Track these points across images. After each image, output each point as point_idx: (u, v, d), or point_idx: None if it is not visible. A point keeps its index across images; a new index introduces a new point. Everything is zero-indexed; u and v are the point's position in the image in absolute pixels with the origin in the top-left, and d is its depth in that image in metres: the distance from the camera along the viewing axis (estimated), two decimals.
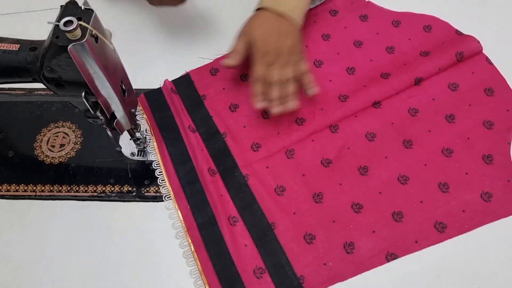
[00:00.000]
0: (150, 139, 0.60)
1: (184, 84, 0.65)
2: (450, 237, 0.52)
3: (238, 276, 0.50)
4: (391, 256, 0.51)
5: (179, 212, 0.55)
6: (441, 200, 0.54)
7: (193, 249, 0.52)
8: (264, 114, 0.61)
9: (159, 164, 0.58)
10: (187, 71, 0.66)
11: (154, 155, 0.59)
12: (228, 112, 0.62)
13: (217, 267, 0.51)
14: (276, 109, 0.56)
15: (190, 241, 0.53)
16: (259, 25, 0.58)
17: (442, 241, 0.51)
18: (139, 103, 0.62)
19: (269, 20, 0.58)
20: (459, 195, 0.54)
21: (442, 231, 0.52)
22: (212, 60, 0.67)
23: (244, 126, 0.61)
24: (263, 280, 0.50)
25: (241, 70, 0.65)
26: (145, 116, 0.62)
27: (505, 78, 0.62)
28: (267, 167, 0.57)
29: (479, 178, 0.55)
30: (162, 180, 0.57)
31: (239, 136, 0.59)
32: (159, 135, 0.60)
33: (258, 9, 0.60)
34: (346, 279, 0.50)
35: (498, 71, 0.63)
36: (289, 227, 0.53)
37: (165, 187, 0.57)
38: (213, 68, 0.66)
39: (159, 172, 0.58)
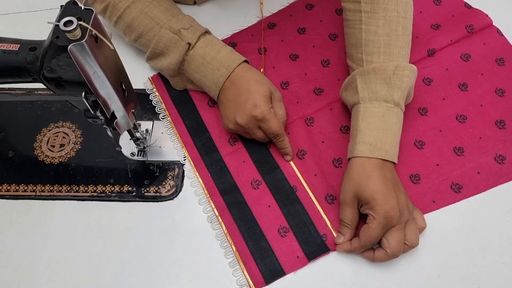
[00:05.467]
0: (164, 116, 0.62)
1: None
2: (466, 197, 0.54)
3: (263, 235, 0.52)
4: None
5: (200, 179, 0.57)
6: (457, 163, 0.56)
7: (217, 213, 0.54)
8: (283, 85, 0.63)
9: (175, 136, 0.60)
10: None
11: (171, 129, 0.61)
12: None
13: (241, 228, 0.53)
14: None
15: (213, 206, 0.55)
16: (372, 178, 0.48)
17: (458, 200, 0.54)
18: (152, 82, 0.64)
19: (382, 170, 0.49)
20: (474, 158, 0.56)
21: (458, 191, 0.54)
22: (230, 35, 0.68)
23: None
24: (287, 239, 0.52)
25: (259, 45, 0.67)
26: (157, 93, 0.63)
27: None
28: (288, 133, 0.59)
29: (492, 142, 0.57)
30: (180, 153, 0.59)
31: None
32: (174, 111, 0.62)
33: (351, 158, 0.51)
34: None
35: (508, 42, 0.65)
36: (311, 189, 0.55)
37: (185, 158, 0.58)
38: (231, 43, 0.67)
39: (177, 144, 0.59)
